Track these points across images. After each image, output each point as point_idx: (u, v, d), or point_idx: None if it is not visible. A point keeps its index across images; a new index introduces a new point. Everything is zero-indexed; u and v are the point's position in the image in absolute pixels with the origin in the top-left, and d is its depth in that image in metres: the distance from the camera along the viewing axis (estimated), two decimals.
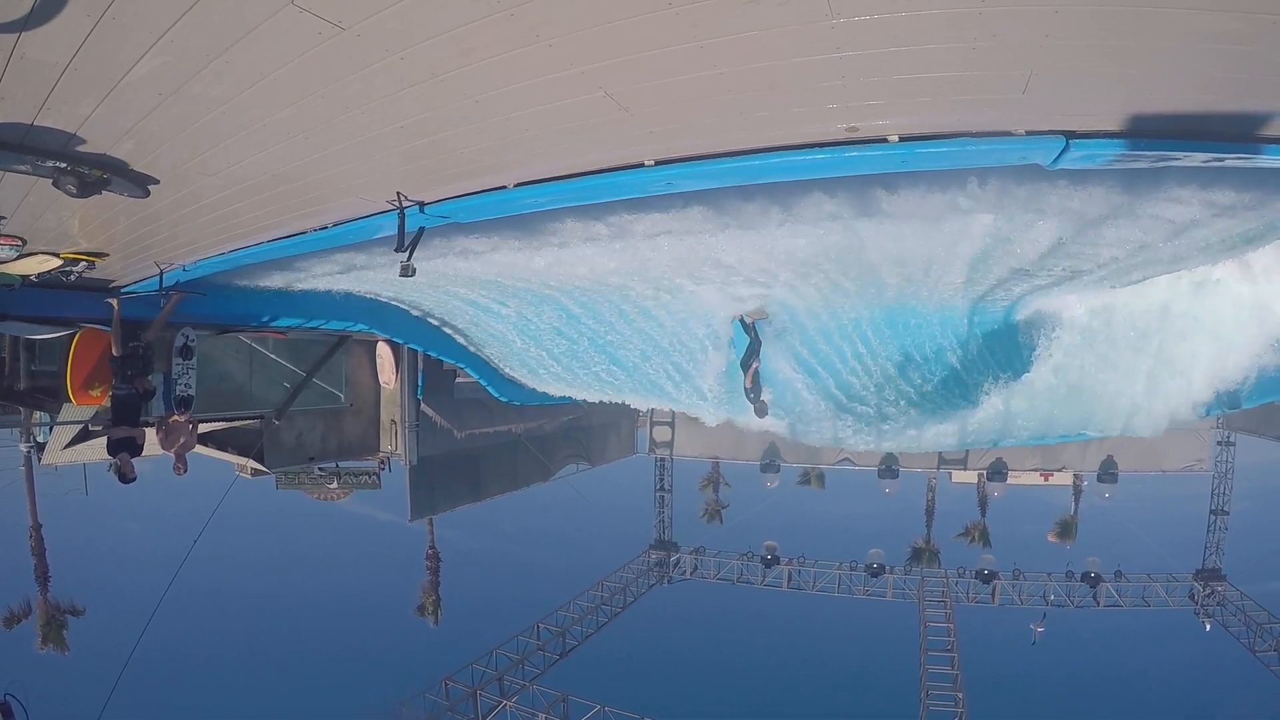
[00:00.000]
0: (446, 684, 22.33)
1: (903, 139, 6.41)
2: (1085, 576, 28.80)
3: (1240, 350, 14.90)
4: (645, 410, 22.36)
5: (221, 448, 18.23)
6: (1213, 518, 28.74)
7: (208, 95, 5.47)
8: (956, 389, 17.10)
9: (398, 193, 7.99)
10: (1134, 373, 15.58)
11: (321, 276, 14.05)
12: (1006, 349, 15.95)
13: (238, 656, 43.69)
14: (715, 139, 6.72)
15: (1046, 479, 29.38)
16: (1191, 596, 28.87)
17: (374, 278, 14.51)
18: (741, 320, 15.67)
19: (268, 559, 45.37)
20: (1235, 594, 28.22)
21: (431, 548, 27.05)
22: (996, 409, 16.57)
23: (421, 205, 8.23)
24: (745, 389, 15.83)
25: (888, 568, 30.40)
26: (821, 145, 6.61)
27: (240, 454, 18.27)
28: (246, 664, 43.42)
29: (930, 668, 24.01)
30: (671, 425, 30.97)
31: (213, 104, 5.64)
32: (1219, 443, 28.29)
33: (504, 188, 7.78)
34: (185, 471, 12.21)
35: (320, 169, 7.25)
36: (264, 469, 18.83)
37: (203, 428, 16.17)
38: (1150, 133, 6.12)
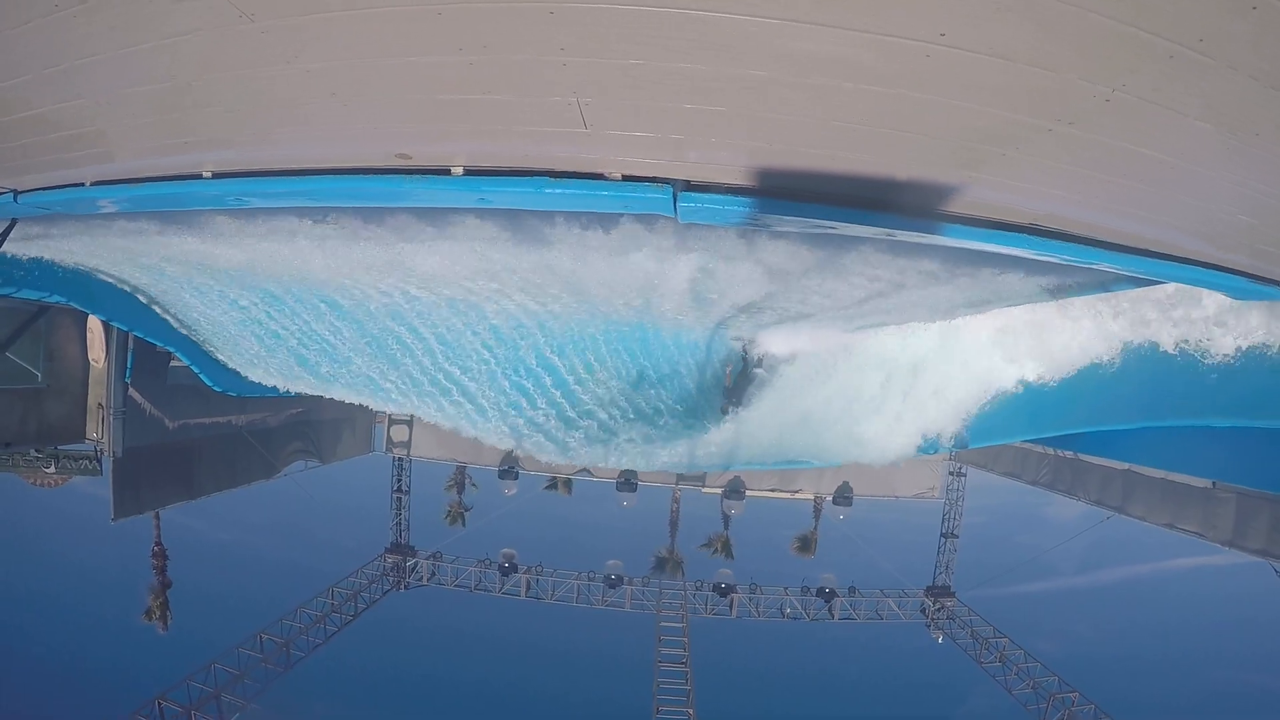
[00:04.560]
0: (160, 703, 21.38)
1: (469, 172, 6.80)
2: (820, 591, 31.53)
3: (963, 399, 17.42)
4: (383, 409, 22.72)
5: None
6: (943, 540, 32.54)
7: None
8: (689, 412, 18.80)
9: None
10: (862, 407, 17.90)
11: (12, 241, 14.04)
12: (740, 376, 17.87)
13: None
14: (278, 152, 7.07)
15: (794, 494, 32.17)
16: (923, 611, 32.44)
17: (70, 246, 14.73)
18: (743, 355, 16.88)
19: None
20: (963, 609, 31.85)
21: (158, 544, 25.56)
22: (728, 434, 18.44)
23: (15, 193, 8.33)
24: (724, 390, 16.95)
25: (627, 578, 32.00)
26: (372, 171, 6.99)
27: None
28: None
29: (663, 681, 25.13)
30: (410, 424, 31.49)
31: None
32: (951, 473, 32.15)
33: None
34: None
35: None
36: None
37: None
38: (779, 190, 6.50)
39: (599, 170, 6.53)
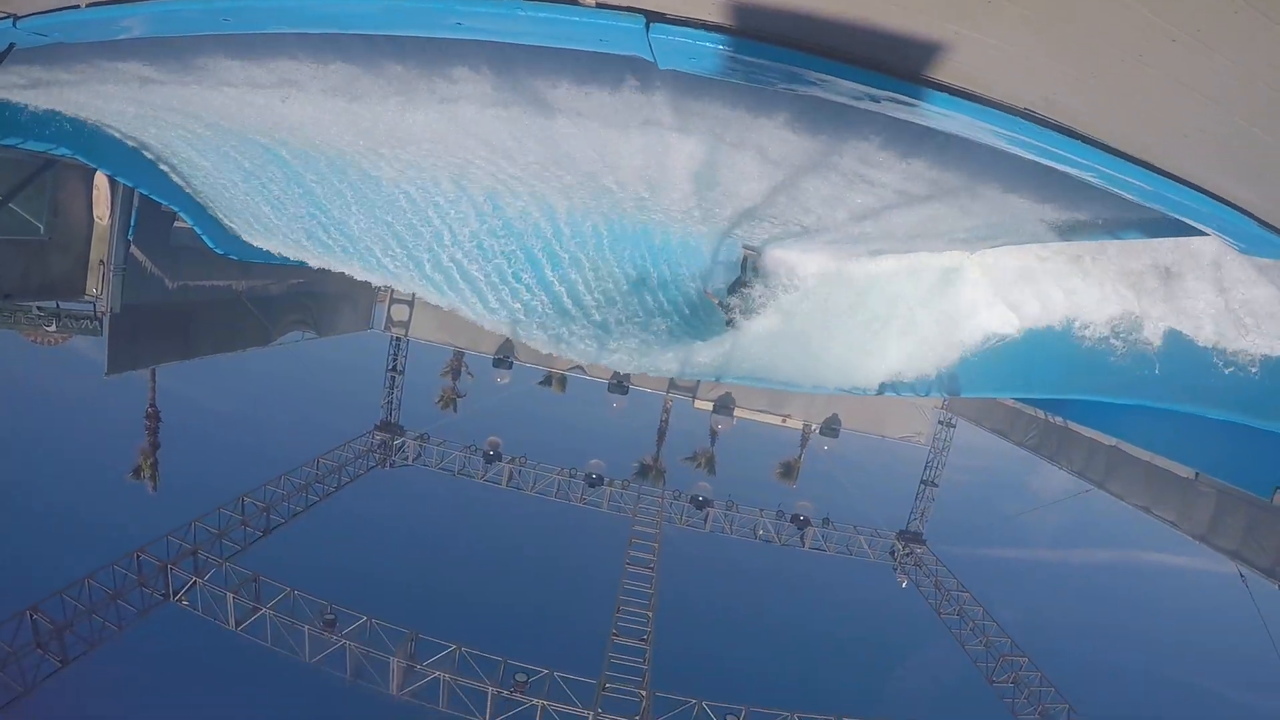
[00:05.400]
0: (139, 556, 21.96)
1: None
2: (795, 518, 32.33)
3: (960, 343, 17.47)
4: (382, 285, 22.86)
5: None
6: (923, 487, 33.18)
7: None
8: (687, 318, 18.83)
9: None
10: (859, 337, 17.91)
11: (12, 89, 14.09)
12: (741, 289, 17.55)
13: None
14: None
15: (783, 420, 32.60)
16: (892, 554, 33.28)
17: (77, 96, 14.68)
18: (744, 256, 16.75)
19: None
20: (931, 559, 32.56)
21: (151, 406, 26.04)
22: (723, 345, 18.49)
23: (15, 18, 8.31)
24: (720, 303, 17.03)
25: (608, 480, 32.67)
26: None
27: None
28: None
29: (628, 583, 25.61)
30: (410, 305, 31.77)
31: None
32: (941, 422, 32.50)
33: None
34: None
35: None
36: None
37: None
38: (759, 32, 6.15)
39: None
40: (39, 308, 19.91)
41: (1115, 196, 7.45)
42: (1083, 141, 6.46)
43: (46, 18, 8.31)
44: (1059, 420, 24.92)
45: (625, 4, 6.16)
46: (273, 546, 26.35)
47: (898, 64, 6.15)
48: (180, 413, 29.64)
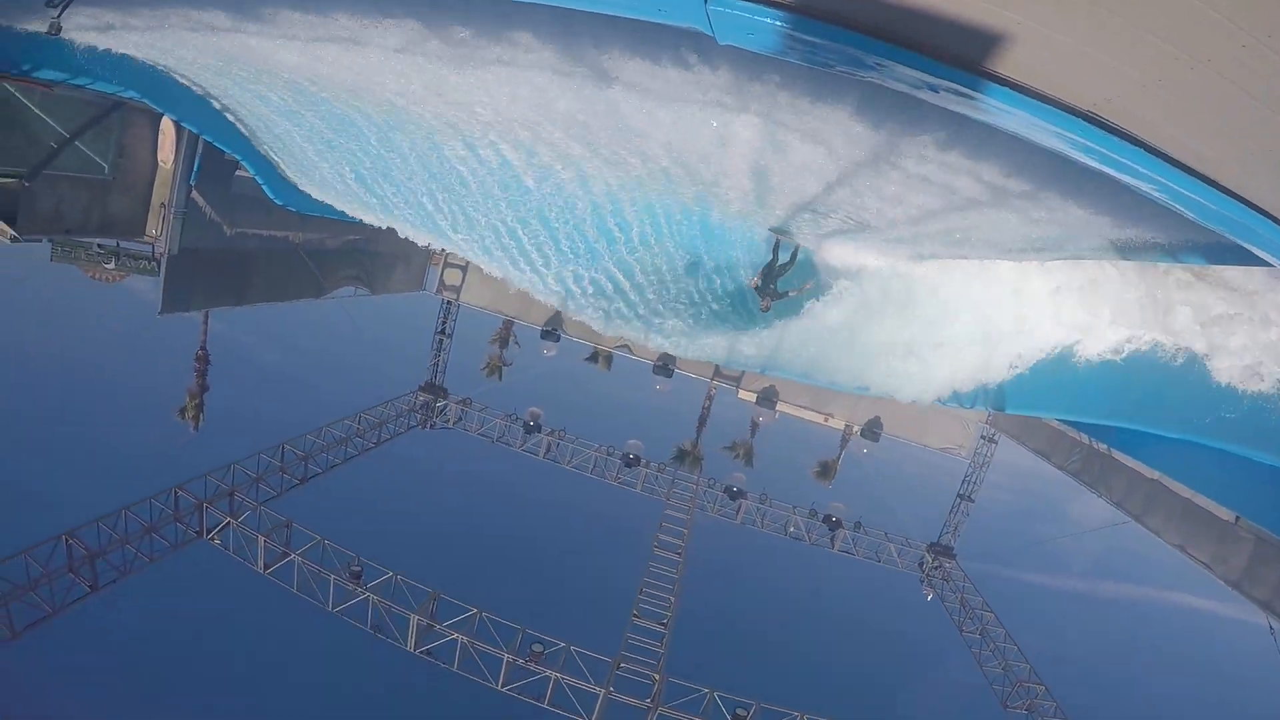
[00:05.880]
0: (176, 492, 22.30)
1: None
2: (827, 519, 32.18)
3: (1010, 358, 17.32)
4: (437, 247, 23.12)
5: None
6: (959, 500, 32.92)
7: None
8: (738, 306, 18.88)
9: None
10: (908, 341, 17.82)
11: (87, 31, 14.35)
12: (797, 282, 17.31)
13: None
14: None
15: (825, 419, 32.47)
16: (920, 565, 33.10)
17: (146, 40, 14.95)
18: (777, 239, 16.66)
19: (29, 332, 43.50)
20: (959, 574, 32.30)
21: (202, 349, 26.82)
22: (772, 337, 18.61)
23: None
24: (756, 289, 16.72)
25: (645, 461, 32.75)
26: None
27: None
28: None
29: (654, 566, 25.85)
30: (463, 269, 31.90)
31: None
32: (984, 436, 32.17)
33: None
34: None
35: None
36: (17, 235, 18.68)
37: None
38: (818, 10, 6.14)
39: None
40: (99, 245, 20.52)
41: (1176, 215, 7.30)
42: (1145, 150, 6.31)
43: None
44: (1103, 447, 24.58)
45: None
46: (308, 495, 26.66)
47: (957, 52, 6.08)
48: (230, 357, 30.13)
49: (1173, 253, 10.35)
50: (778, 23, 6.20)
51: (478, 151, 16.52)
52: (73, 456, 38.25)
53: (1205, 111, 5.85)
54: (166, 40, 14.75)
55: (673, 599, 24.28)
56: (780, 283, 16.56)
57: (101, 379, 42.24)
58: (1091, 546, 39.06)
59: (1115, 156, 6.46)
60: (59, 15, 8.54)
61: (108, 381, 41.95)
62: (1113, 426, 19.93)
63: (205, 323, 25.54)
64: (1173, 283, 14.55)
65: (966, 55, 6.03)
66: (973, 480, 32.38)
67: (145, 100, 17.64)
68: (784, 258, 16.51)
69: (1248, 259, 7.90)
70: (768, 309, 16.97)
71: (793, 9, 6.06)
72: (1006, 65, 6.00)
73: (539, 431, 32.78)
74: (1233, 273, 13.45)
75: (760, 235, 17.32)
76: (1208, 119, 5.94)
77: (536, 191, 17.19)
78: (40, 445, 38.95)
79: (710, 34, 6.71)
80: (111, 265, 20.85)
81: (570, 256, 18.46)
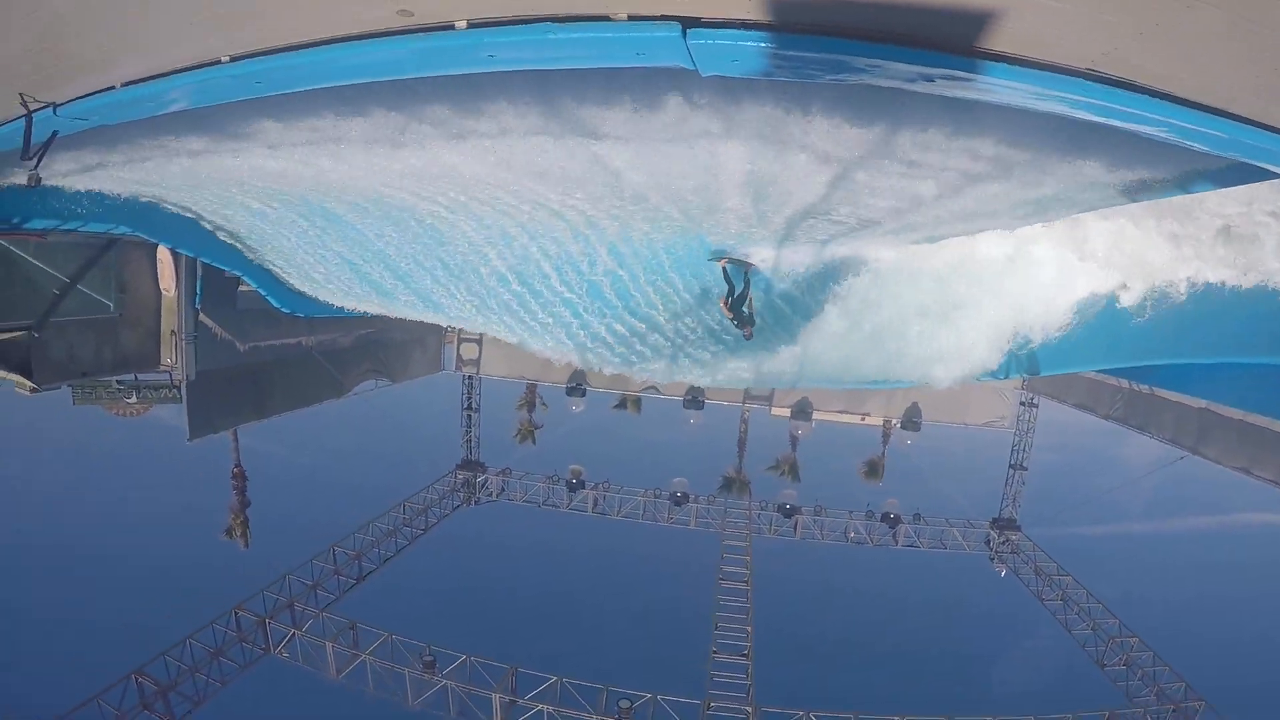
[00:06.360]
0: (237, 613, 22.38)
1: (473, 25, 6.46)
2: (885, 517, 31.87)
3: (1038, 319, 17.08)
4: (448, 326, 23.09)
5: None
6: (1011, 471, 32.36)
7: None
8: (754, 326, 18.68)
9: (20, 94, 8.25)
10: (934, 326, 17.58)
11: (68, 176, 14.47)
12: (807, 291, 17.36)
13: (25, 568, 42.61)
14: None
15: (863, 418, 32.24)
16: (987, 543, 32.57)
17: (129, 175, 15.02)
18: (724, 267, 16.43)
19: (64, 477, 44.02)
20: (1028, 544, 31.93)
21: (237, 466, 26.83)
22: (794, 350, 18.36)
23: (55, 107, 8.52)
24: (730, 320, 16.50)
25: (693, 496, 32.53)
26: (379, 35, 6.79)
27: (9, 370, 18.24)
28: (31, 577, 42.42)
29: (723, 598, 25.52)
30: (479, 343, 32.01)
31: None
32: (1022, 403, 31.72)
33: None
34: None
35: None
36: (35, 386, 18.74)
37: None
38: (799, 24, 5.95)
39: (604, 11, 6.21)
40: (118, 381, 20.49)
41: (1185, 149, 7.13)
42: (1151, 95, 6.12)
43: (85, 102, 8.56)
44: (1145, 388, 24.25)
45: (658, 13, 6.05)
46: (367, 593, 26.67)
47: (949, 38, 5.89)
48: (266, 469, 30.18)
49: (1184, 185, 10.03)
50: (761, 44, 6.09)
51: (473, 224, 16.39)
52: (130, 593, 38.44)
53: (1208, 47, 5.66)
54: (147, 172, 14.79)
55: (748, 628, 24.03)
56: (746, 306, 16.37)
57: (143, 510, 42.56)
58: (1154, 488, 38.31)
59: (1120, 108, 6.30)
60: (36, 166, 8.58)
61: (149, 511, 42.26)
62: (1151, 366, 19.57)
63: (235, 440, 25.64)
64: (1186, 212, 14.34)
65: (956, 38, 5.86)
66: (1021, 448, 31.90)
67: (138, 233, 17.70)
68: (739, 283, 16.34)
69: (1260, 175, 7.76)
70: (750, 336, 16.77)
71: (774, 27, 5.95)
72: (999, 40, 5.83)
73: (583, 488, 32.62)
74: (1239, 196, 13.24)
75: (766, 251, 17.00)
76: (1212, 54, 5.74)
77: (537, 253, 17.02)
78: (96, 583, 39.28)
79: (693, 68, 6.61)
80: (133, 399, 20.85)
81: (580, 311, 18.20)
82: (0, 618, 36.65)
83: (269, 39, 7.25)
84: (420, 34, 6.63)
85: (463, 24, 6.43)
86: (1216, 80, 6.06)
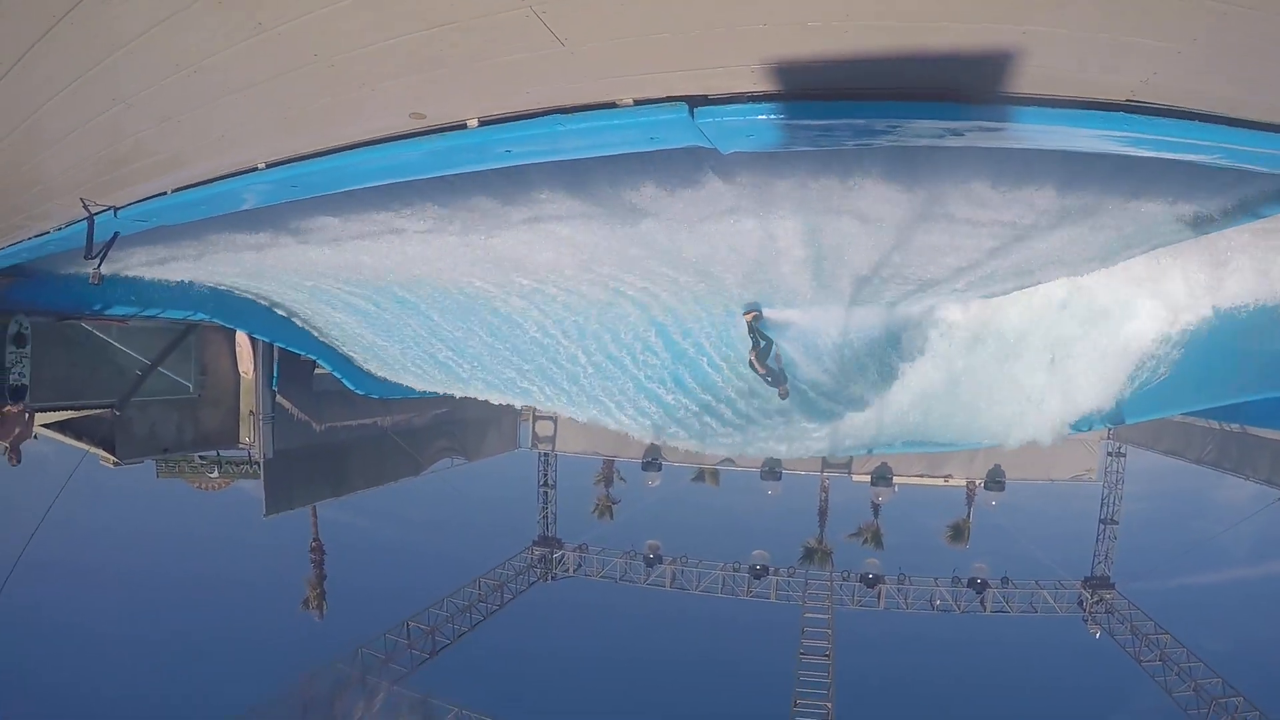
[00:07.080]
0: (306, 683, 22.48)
1: (483, 123, 6.45)
2: (972, 582, 31.08)
3: (1120, 365, 16.65)
4: (522, 406, 23.34)
5: (78, 437, 18.97)
6: (1102, 526, 31.38)
7: None
8: (826, 394, 18.31)
9: (81, 199, 8.66)
10: (1013, 383, 17.20)
11: (143, 267, 15.14)
12: (879, 355, 17.14)
13: (106, 645, 43.48)
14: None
15: (945, 480, 31.59)
16: (1080, 604, 31.46)
17: (201, 267, 15.63)
18: (749, 321, 16.31)
19: (145, 549, 45.12)
20: (1123, 603, 30.79)
21: (315, 539, 27.57)
22: (869, 416, 18.00)
23: (115, 210, 8.93)
24: (762, 376, 16.47)
25: (773, 569, 32.18)
26: (394, 138, 6.89)
27: (94, 444, 19.03)
28: (114, 655, 43.24)
29: (804, 674, 25.17)
30: (554, 420, 32.12)
31: None
32: (1109, 454, 30.81)
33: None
34: (18, 462, 13.28)
35: None
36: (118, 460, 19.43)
37: (43, 417, 17.03)
38: (808, 90, 5.71)
39: (609, 99, 6.06)
40: (201, 456, 21.33)
41: (1245, 172, 6.78)
42: (1197, 120, 5.55)
43: (141, 206, 8.92)
44: (1236, 427, 23.35)
45: (664, 95, 5.87)
46: (441, 667, 26.65)
47: (967, 88, 5.50)
48: (343, 542, 30.62)
49: (1253, 210, 9.74)
50: (772, 116, 5.84)
51: (536, 305, 16.66)
52: (207, 660, 38.94)
53: (1257, 57, 5.08)
54: (217, 264, 15.37)
55: (829, 704, 23.50)
56: (774, 360, 16.38)
57: (225, 580, 43.31)
58: (1253, 532, 36.75)
59: (1168, 139, 5.83)
60: (98, 266, 9.06)
61: (232, 582, 42.97)
62: (1240, 404, 18.94)
63: (314, 514, 26.18)
64: (1262, 232, 14.00)
65: (975, 88, 5.49)
66: (1111, 501, 30.97)
67: (215, 319, 18.42)
68: (762, 339, 16.28)
69: None
70: (785, 395, 16.78)
71: (783, 97, 5.70)
72: (1024, 82, 5.36)
73: (661, 563, 32.47)
74: None
75: (827, 318, 16.93)
76: (1264, 64, 5.15)
77: (602, 331, 17.22)
78: (173, 653, 39.92)
79: (711, 147, 6.47)
80: (215, 474, 21.45)
81: (650, 387, 18.30)
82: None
83: (303, 147, 7.51)
84: (435, 135, 6.72)
85: (474, 122, 6.45)
86: (1271, 93, 5.57)
